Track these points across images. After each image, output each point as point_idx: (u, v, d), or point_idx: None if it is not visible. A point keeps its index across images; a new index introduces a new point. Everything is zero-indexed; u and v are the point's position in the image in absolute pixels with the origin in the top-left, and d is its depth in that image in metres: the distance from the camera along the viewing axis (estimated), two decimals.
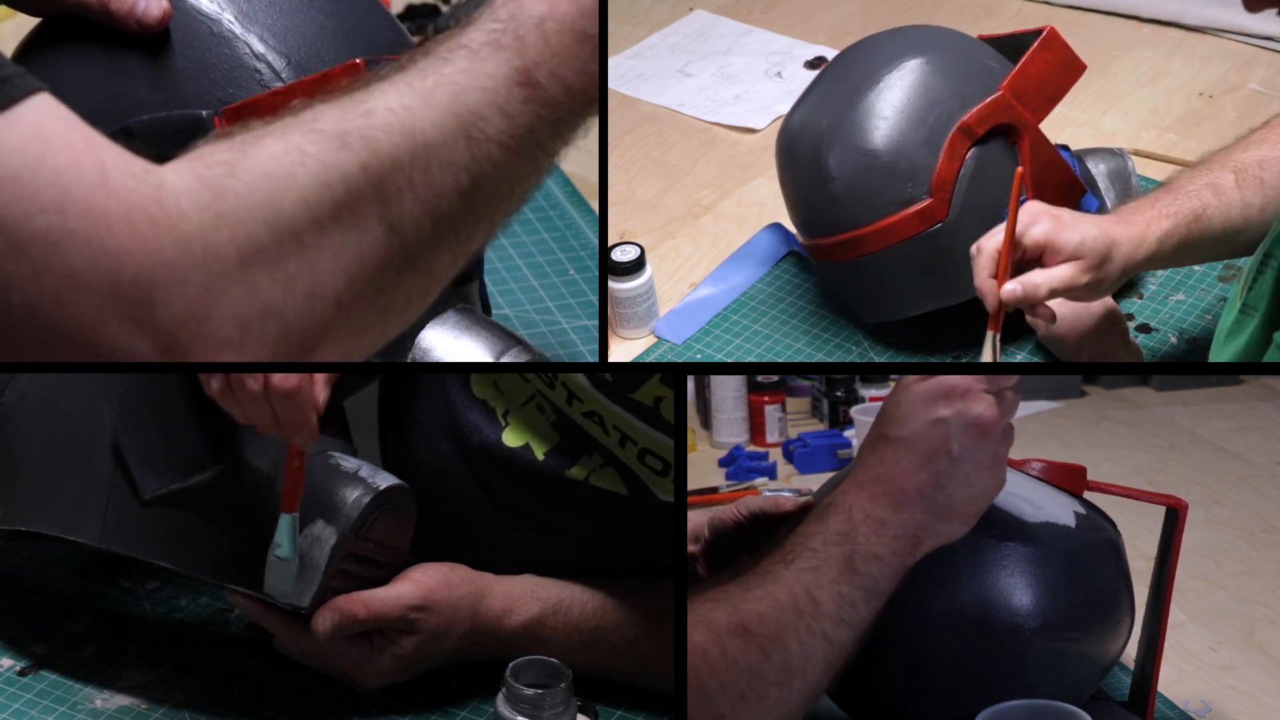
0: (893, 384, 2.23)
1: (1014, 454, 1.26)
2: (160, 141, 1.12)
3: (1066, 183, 1.54)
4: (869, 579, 1.07)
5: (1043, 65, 1.51)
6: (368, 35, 1.22)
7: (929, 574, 1.14)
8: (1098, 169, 1.65)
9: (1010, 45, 1.58)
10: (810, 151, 1.55)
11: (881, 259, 1.53)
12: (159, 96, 1.15)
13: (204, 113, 1.14)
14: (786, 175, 1.61)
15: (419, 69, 0.93)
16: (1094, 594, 1.19)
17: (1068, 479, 1.26)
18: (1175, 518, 1.25)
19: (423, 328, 1.27)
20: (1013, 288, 1.35)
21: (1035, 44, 1.52)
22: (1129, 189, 1.65)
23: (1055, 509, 1.21)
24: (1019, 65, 1.51)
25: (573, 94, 0.96)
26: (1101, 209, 1.62)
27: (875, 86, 1.52)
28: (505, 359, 1.26)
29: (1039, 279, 1.35)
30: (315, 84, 1.10)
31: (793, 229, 1.70)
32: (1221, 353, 1.30)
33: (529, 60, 0.94)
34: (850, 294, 1.62)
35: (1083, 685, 1.21)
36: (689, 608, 1.06)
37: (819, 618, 1.06)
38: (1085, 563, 1.19)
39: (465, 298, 1.32)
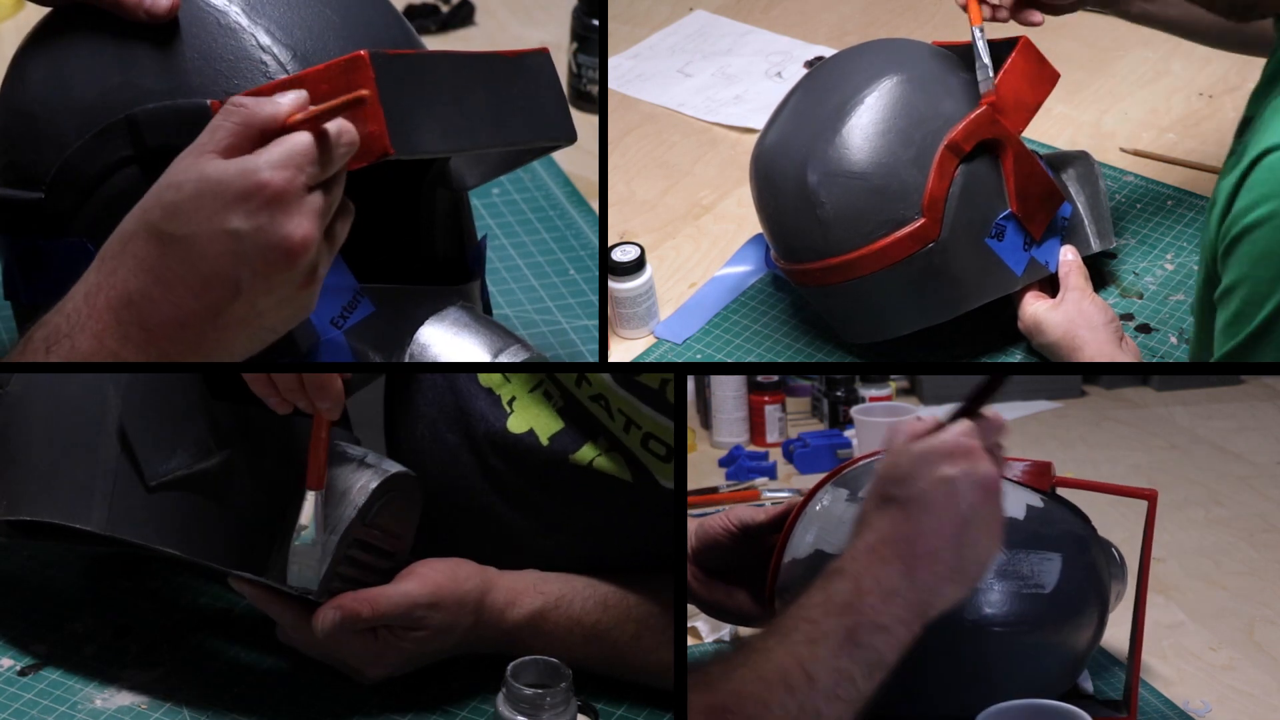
0: (891, 384, 2.24)
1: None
2: (165, 131, 1.14)
3: (1047, 192, 1.54)
4: (872, 651, 1.01)
5: (1019, 76, 1.51)
6: (373, 31, 1.23)
7: None
8: (1067, 173, 1.65)
9: (970, 53, 1.57)
10: (793, 176, 1.52)
11: (872, 281, 1.51)
12: (165, 86, 1.16)
13: (208, 102, 1.14)
14: (766, 200, 1.58)
15: None
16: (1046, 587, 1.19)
17: (1032, 476, 1.26)
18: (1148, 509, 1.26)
19: (422, 323, 1.27)
20: None
21: (1012, 55, 1.51)
22: (1097, 191, 1.65)
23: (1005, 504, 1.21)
24: (997, 78, 1.50)
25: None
26: (1074, 214, 1.62)
27: (857, 107, 1.50)
28: (502, 358, 1.26)
29: None
30: (320, 74, 1.11)
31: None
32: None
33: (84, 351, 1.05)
34: (836, 317, 1.60)
35: (1048, 677, 1.20)
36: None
37: (812, 694, 1.00)
38: (1034, 557, 1.19)
39: (467, 296, 1.32)
